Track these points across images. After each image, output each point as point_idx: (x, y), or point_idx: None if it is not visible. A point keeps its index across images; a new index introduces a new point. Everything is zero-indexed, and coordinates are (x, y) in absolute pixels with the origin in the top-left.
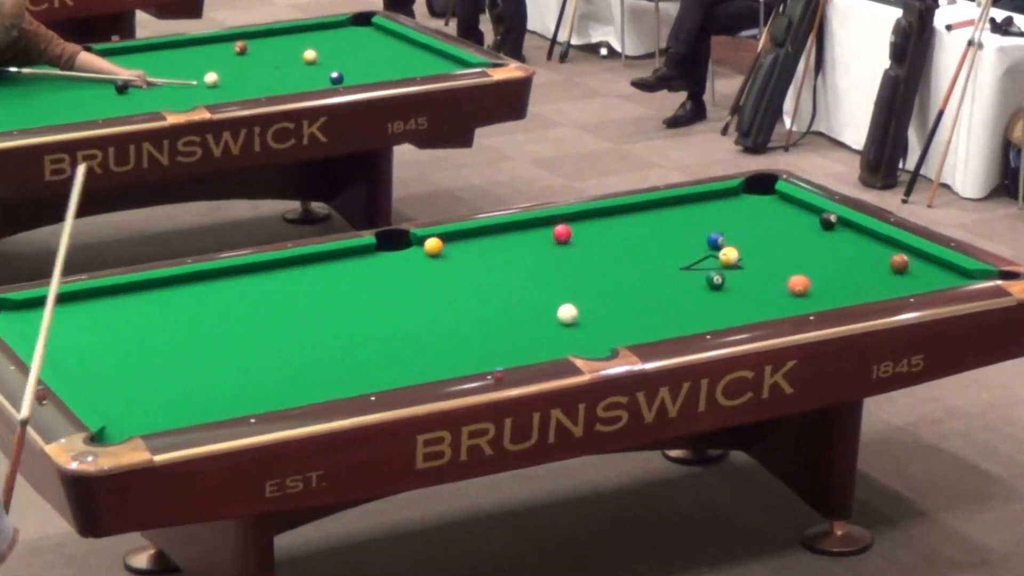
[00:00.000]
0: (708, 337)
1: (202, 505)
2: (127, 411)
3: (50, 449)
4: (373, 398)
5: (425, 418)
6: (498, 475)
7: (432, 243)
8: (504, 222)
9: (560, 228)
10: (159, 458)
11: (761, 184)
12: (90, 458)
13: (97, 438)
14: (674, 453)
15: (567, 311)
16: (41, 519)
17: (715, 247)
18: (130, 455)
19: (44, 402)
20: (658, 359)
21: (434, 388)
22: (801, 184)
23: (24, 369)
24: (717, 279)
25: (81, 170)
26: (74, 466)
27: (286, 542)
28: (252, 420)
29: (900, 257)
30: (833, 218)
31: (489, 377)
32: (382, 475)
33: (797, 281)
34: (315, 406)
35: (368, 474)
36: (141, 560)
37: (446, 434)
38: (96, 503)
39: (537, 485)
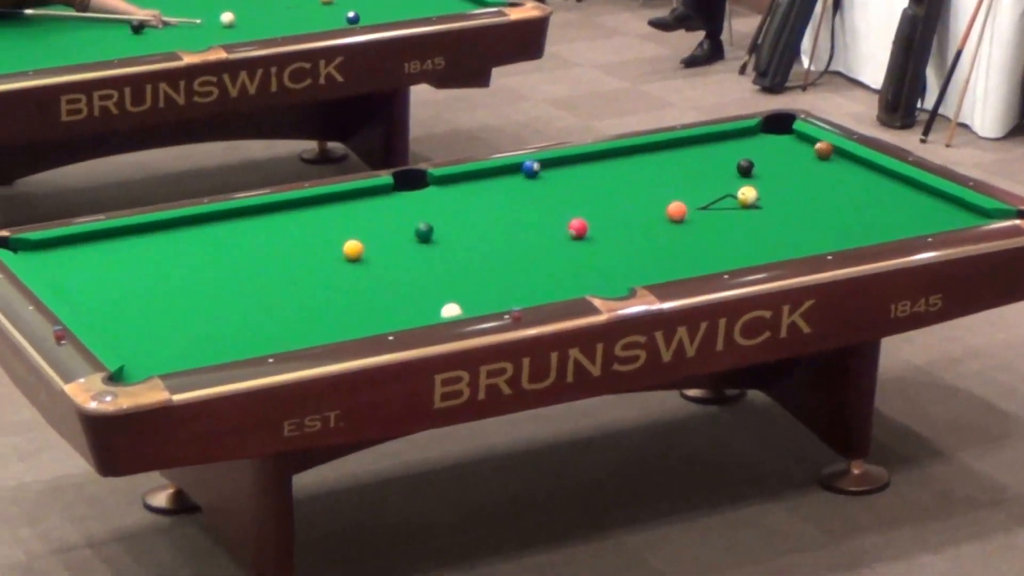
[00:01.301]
0: (726, 277)
1: (220, 444)
2: (145, 351)
3: (69, 389)
4: (391, 338)
5: (443, 358)
6: (516, 415)
7: (351, 246)
8: (519, 162)
9: (576, 223)
10: (177, 398)
11: (779, 124)
12: (109, 398)
13: (116, 378)
14: (692, 392)
15: (450, 310)
16: (60, 459)
17: (530, 174)
18: (148, 395)
19: (63, 342)
20: (676, 298)
21: (452, 328)
22: (819, 124)
23: (43, 309)
24: (423, 227)
25: None
26: (93, 406)
27: (304, 481)
28: (270, 360)
29: (824, 144)
30: (744, 163)
31: (506, 316)
32: (400, 414)
33: (675, 208)
34: (333, 346)
35: (386, 413)
36: (160, 499)
37: (464, 374)
38: (115, 442)
39: (555, 425)
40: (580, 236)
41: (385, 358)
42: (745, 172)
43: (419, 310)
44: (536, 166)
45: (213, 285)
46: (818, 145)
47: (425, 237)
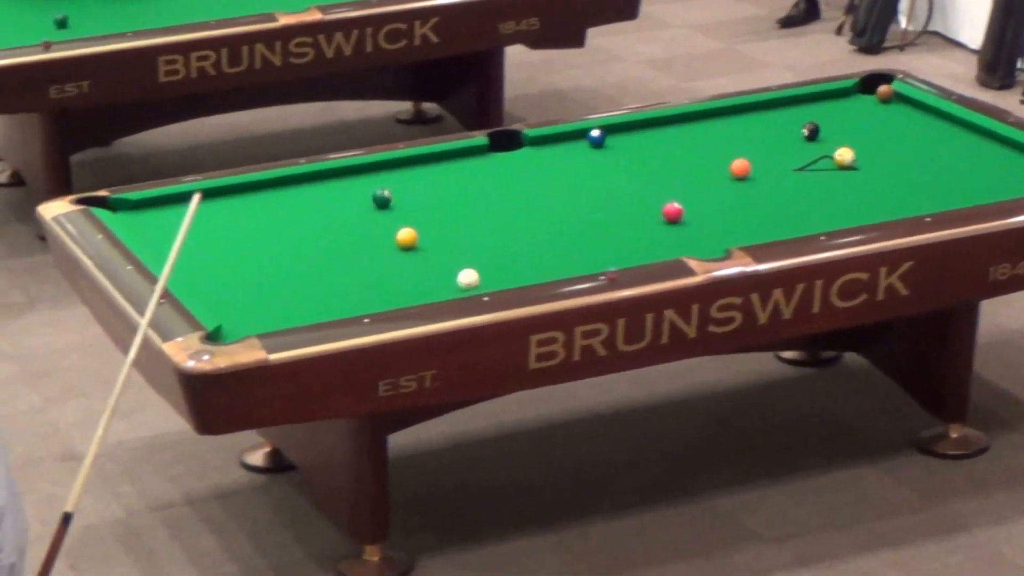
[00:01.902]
0: (822, 238)
1: (316, 404)
2: (242, 310)
3: (167, 348)
4: (486, 298)
5: (538, 318)
6: (610, 376)
7: (405, 234)
8: (616, 123)
9: (671, 207)
10: (274, 357)
11: (876, 84)
12: (206, 357)
13: (213, 337)
14: (787, 355)
15: (467, 276)
16: (158, 418)
17: (595, 143)
18: (245, 354)
19: (162, 301)
20: (772, 260)
21: (547, 288)
22: (917, 84)
23: (142, 269)
24: (384, 193)
25: (195, 199)
26: (191, 365)
27: (399, 441)
28: (366, 320)
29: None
30: (807, 130)
31: (602, 277)
32: (495, 375)
33: (739, 165)
34: (428, 306)
35: (481, 374)
36: (257, 458)
37: (559, 334)
38: (212, 401)
39: (649, 386)
40: (674, 221)
41: (480, 319)
42: (812, 136)
43: (514, 271)
44: (597, 133)
45: (308, 246)
46: (880, 89)
47: (383, 204)
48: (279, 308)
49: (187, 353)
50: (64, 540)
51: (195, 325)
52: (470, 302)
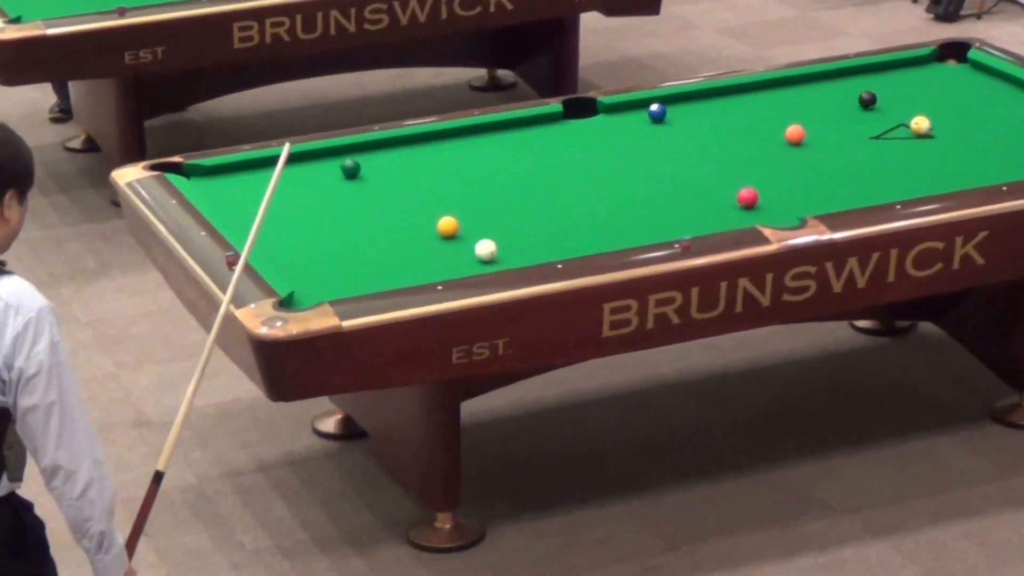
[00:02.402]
0: (898, 207)
1: (389, 371)
2: (315, 277)
3: (240, 314)
4: (560, 266)
5: (612, 286)
6: (684, 344)
7: (447, 223)
8: (691, 91)
9: (746, 193)
10: (347, 324)
11: (953, 53)
12: (279, 323)
13: (286, 303)
14: (862, 324)
15: (484, 247)
16: (231, 384)
17: (658, 117)
18: (319, 320)
19: (234, 267)
20: (847, 229)
21: (621, 256)
22: (994, 52)
23: (215, 235)
24: (350, 164)
25: (285, 150)
26: (264, 331)
27: (472, 408)
28: (439, 287)
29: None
30: (863, 99)
31: (676, 245)
32: (568, 343)
33: (793, 132)
34: (502, 274)
35: (554, 342)
36: (329, 425)
37: (633, 302)
38: (285, 368)
39: (723, 355)
40: (749, 207)
41: (554, 286)
42: (867, 104)
43: (587, 238)
44: (656, 108)
45: (381, 212)
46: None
47: (352, 173)
48: (352, 275)
49: (260, 320)
50: (155, 498)
51: (268, 291)
52: (544, 270)
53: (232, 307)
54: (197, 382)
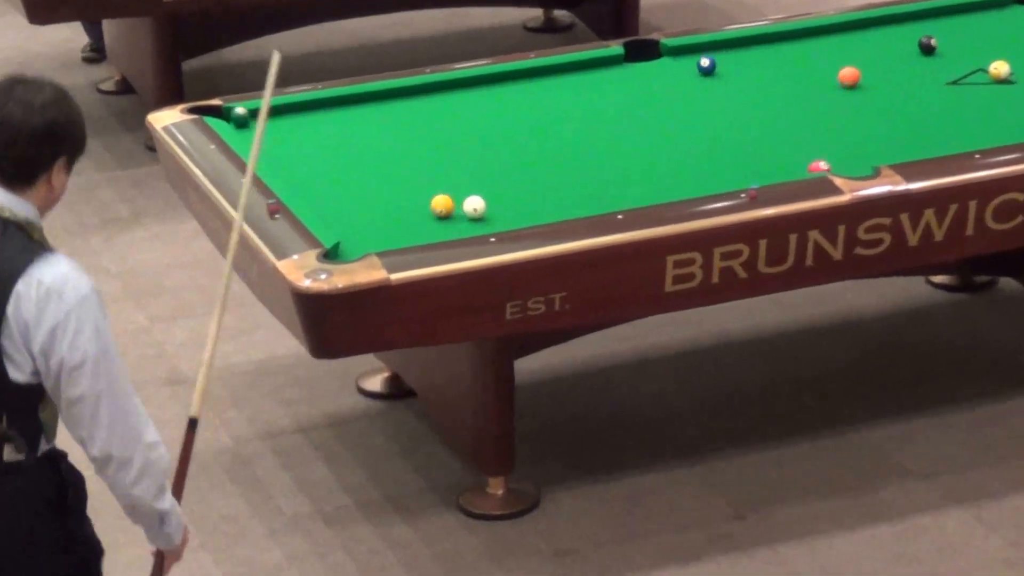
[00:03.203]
0: (977, 156)
1: (440, 327)
2: (362, 227)
3: (282, 266)
4: (620, 216)
5: (675, 238)
6: (751, 300)
7: (440, 202)
8: (756, 34)
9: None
10: (396, 277)
11: None
12: (324, 275)
13: (331, 255)
14: (938, 279)
15: (473, 204)
16: (270, 339)
17: (708, 71)
18: (366, 273)
19: (276, 216)
20: (923, 179)
21: (685, 206)
22: None
23: (256, 181)
24: (240, 112)
25: (275, 58)
26: (307, 283)
27: (526, 366)
28: (492, 239)
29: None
30: (934, 42)
31: (743, 195)
32: (629, 298)
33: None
34: (559, 225)
35: (614, 297)
36: (374, 383)
37: (697, 255)
38: (330, 323)
39: (792, 311)
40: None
41: (614, 238)
42: (927, 51)
43: (650, 187)
44: (707, 63)
45: (432, 159)
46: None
47: (241, 123)
48: (401, 225)
49: (303, 272)
50: (193, 445)
51: (312, 242)
52: (603, 220)
53: (273, 258)
54: (220, 315)
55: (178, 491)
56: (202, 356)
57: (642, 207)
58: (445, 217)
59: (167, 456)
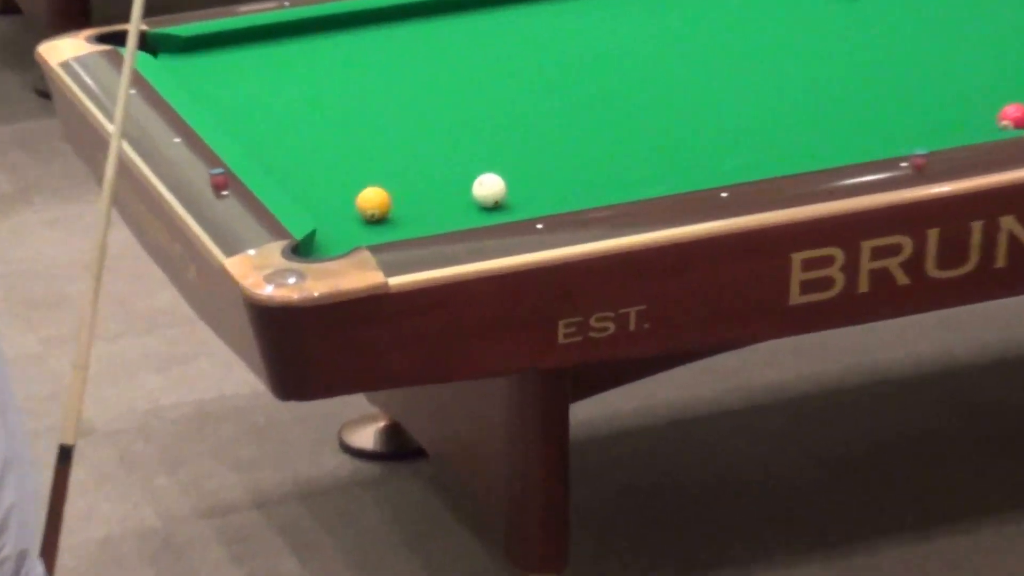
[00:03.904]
0: None
1: (462, 355)
2: (346, 207)
3: (232, 265)
4: (724, 194)
5: (804, 227)
6: (916, 318)
7: (369, 197)
8: None
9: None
10: (397, 281)
11: None
12: (293, 279)
13: (303, 249)
14: None
15: (487, 186)
16: (216, 373)
17: None
18: (354, 276)
19: (224, 192)
20: None
21: (819, 180)
22: None
23: (196, 142)
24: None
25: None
26: (269, 291)
27: (583, 412)
28: (539, 226)
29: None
30: None
31: (904, 164)
32: (736, 314)
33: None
34: (635, 206)
35: (715, 312)
36: (365, 437)
37: (837, 252)
38: (301, 348)
39: (973, 334)
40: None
41: (717, 226)
42: None
43: (761, 154)
44: None
45: (441, 107)
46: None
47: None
48: (403, 204)
49: (263, 274)
50: (68, 480)
51: (275, 230)
52: (701, 202)
53: (220, 254)
54: (95, 291)
55: (51, 544)
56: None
57: (756, 181)
58: (378, 221)
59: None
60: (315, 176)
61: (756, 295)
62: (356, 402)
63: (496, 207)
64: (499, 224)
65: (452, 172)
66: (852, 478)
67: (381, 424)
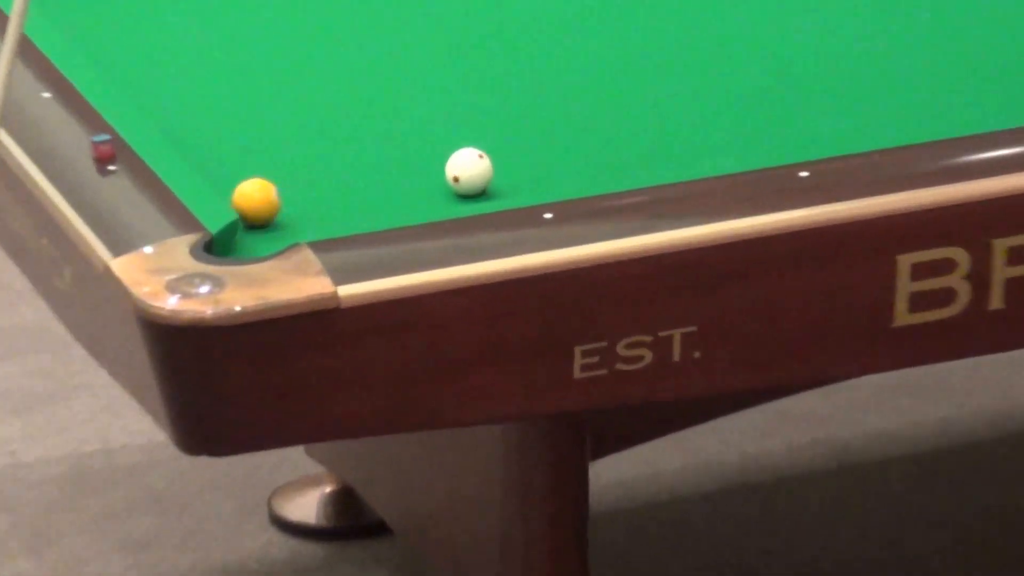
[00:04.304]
0: None
1: (440, 394)
2: (282, 190)
3: (121, 268)
4: (804, 173)
5: (916, 219)
6: None
7: (251, 193)
8: None
9: None
10: (350, 292)
11: None
12: (206, 288)
13: (220, 247)
14: None
15: (462, 164)
16: (97, 418)
17: None
18: (291, 284)
19: (112, 167)
20: None
21: (936, 156)
22: None
23: (73, 98)
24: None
25: None
26: (173, 304)
27: (607, 475)
28: (547, 215)
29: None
30: None
31: None
32: (822, 338)
33: None
34: (679, 189)
35: (791, 336)
36: (305, 507)
37: (960, 254)
38: (218, 385)
39: None
40: None
41: (792, 217)
42: None
43: (847, 118)
44: None
45: (401, 53)
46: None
47: None
48: (360, 186)
49: (165, 280)
50: None
51: (182, 219)
52: (771, 183)
53: (104, 252)
54: None
55: None
56: None
57: (842, 157)
58: (260, 225)
59: None
60: (237, 145)
61: (848, 313)
62: (294, 459)
63: (480, 194)
64: (491, 214)
65: (422, 142)
66: (985, 547)
67: (327, 489)
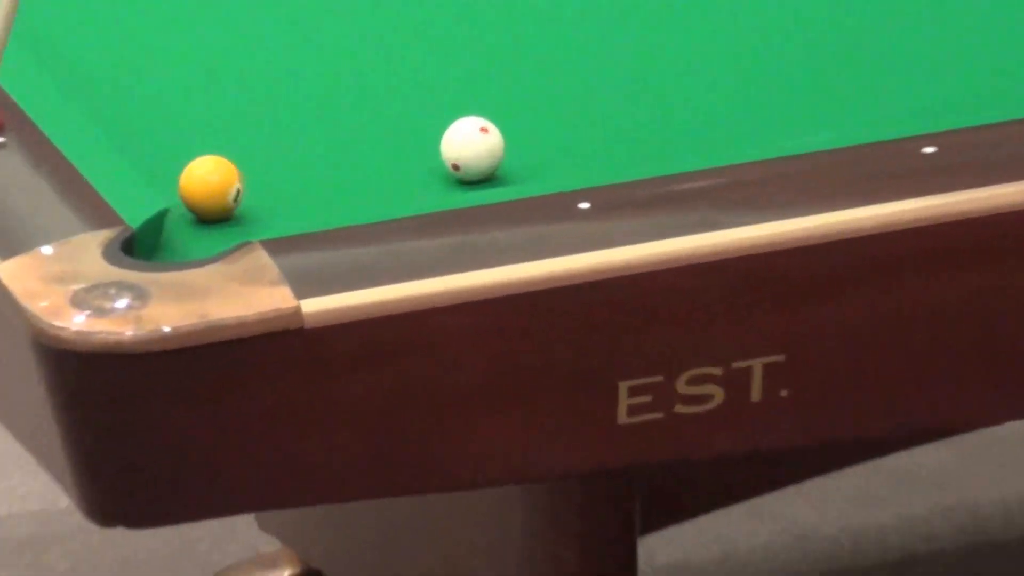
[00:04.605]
0: None
1: (440, 444)
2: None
3: (12, 274)
4: (929, 149)
5: None
6: None
7: (198, 177)
8: None
9: None
10: (316, 307)
11: None
12: (124, 301)
13: (142, 247)
14: None
15: (460, 141)
16: None
17: None
18: (239, 297)
19: (2, 139)
20: None
21: None
22: None
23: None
24: None
25: None
26: (80, 322)
27: (663, 555)
28: (583, 205)
29: None
30: None
31: None
32: (955, 374)
33: None
34: (759, 170)
35: (913, 368)
36: None
37: None
38: (139, 431)
39: None
40: None
41: (915, 207)
42: None
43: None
44: None
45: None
46: None
47: None
48: (329, 171)
49: (70, 291)
50: None
51: (93, 210)
52: (886, 162)
53: None
54: None
55: None
56: None
57: (977, 128)
58: (219, 218)
59: None
60: (176, 115)
61: (991, 341)
62: (242, 532)
63: (488, 178)
64: (505, 203)
65: (416, 114)
66: None
67: (285, 573)
